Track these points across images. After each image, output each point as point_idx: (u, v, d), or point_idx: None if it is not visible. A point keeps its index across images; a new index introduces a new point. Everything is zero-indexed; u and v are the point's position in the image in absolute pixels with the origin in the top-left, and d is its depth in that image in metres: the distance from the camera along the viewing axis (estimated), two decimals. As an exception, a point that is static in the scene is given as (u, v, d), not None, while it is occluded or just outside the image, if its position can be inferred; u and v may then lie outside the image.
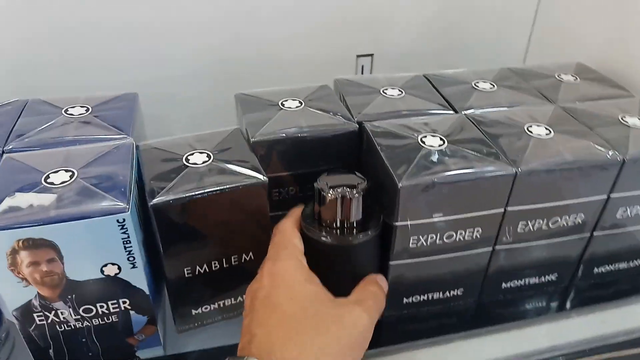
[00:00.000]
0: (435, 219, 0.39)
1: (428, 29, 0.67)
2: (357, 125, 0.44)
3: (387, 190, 0.39)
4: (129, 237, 0.34)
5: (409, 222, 0.39)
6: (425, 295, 0.45)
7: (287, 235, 0.37)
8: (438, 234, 0.41)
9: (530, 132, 0.43)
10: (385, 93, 0.49)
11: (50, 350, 0.38)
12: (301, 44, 0.62)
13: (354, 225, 0.36)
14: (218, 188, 0.36)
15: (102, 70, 0.57)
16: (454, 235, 0.41)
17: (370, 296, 0.36)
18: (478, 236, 0.42)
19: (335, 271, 0.37)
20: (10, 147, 0.39)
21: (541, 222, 0.42)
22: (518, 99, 0.49)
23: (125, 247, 0.34)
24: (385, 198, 0.40)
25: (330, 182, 0.36)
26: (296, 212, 0.39)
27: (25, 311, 0.35)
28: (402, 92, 0.49)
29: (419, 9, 0.65)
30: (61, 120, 0.42)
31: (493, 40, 0.70)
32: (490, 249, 0.43)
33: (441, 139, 0.41)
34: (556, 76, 0.54)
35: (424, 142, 0.41)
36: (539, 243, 0.44)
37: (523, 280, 0.47)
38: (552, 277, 0.48)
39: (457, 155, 0.39)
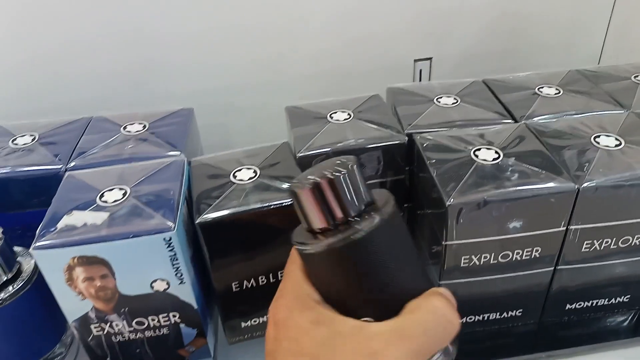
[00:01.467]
0: (488, 239, 0.37)
1: (491, 28, 0.63)
2: (407, 138, 0.42)
3: (437, 208, 0.37)
4: (176, 254, 0.35)
5: (459, 242, 0.37)
6: (481, 315, 0.43)
7: (298, 282, 0.28)
8: (492, 254, 0.38)
9: (598, 143, 0.39)
10: (439, 102, 0.47)
11: (108, 359, 0.40)
12: (356, 51, 0.61)
13: (352, 216, 0.25)
14: (262, 205, 0.36)
15: (162, 82, 0.59)
16: (510, 254, 0.39)
17: (417, 324, 0.24)
18: (537, 255, 0.39)
19: (349, 286, 0.26)
20: (72, 164, 0.41)
21: (609, 241, 0.39)
22: (586, 105, 0.45)
23: (172, 264, 0.35)
24: (435, 215, 0.38)
25: (304, 175, 0.26)
26: (294, 253, 0.29)
27: (83, 322, 0.37)
28: (457, 101, 0.47)
29: (480, 7, 0.62)
30: (120, 137, 0.44)
31: (564, 40, 0.65)
32: (551, 268, 0.40)
33: (497, 152, 0.39)
34: (632, 78, 0.49)
35: (477, 156, 0.39)
36: (608, 262, 0.40)
37: (590, 301, 0.43)
38: (624, 298, 0.44)
39: (513, 170, 0.37)
